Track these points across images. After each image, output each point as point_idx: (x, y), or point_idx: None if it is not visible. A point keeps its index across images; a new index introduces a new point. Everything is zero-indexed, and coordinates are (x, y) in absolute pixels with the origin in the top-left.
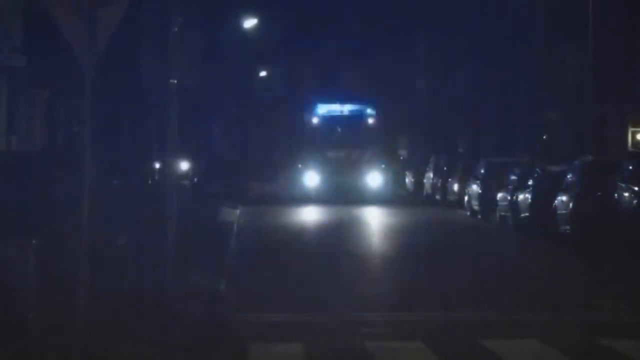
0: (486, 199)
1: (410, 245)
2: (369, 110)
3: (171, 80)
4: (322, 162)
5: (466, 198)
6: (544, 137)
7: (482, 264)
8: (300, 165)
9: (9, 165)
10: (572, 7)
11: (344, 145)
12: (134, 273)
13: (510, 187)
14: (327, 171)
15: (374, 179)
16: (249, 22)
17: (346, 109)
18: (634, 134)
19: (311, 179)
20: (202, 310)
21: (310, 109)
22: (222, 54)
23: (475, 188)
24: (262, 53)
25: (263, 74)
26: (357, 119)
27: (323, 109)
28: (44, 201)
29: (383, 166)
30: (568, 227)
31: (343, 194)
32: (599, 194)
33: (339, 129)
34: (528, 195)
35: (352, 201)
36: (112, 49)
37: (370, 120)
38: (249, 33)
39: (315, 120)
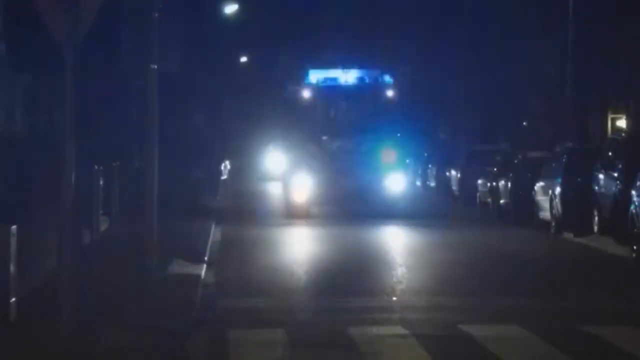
0: (467, 185)
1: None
2: (387, 78)
3: (152, 66)
4: (318, 158)
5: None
6: (524, 123)
7: (463, 249)
8: (287, 165)
9: None
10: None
11: (350, 131)
12: (119, 261)
13: (491, 173)
14: (326, 172)
15: (397, 181)
16: (230, 8)
17: (352, 76)
18: (613, 120)
19: (301, 185)
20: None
21: (298, 77)
22: (203, 40)
23: (454, 174)
24: (244, 38)
25: (244, 59)
26: (369, 90)
27: (317, 76)
28: (27, 187)
29: (408, 161)
30: (547, 212)
31: (352, 206)
32: (579, 180)
33: (343, 107)
34: (508, 182)
35: (368, 217)
36: (93, 33)
37: (390, 93)
38: (231, 19)
39: (306, 94)
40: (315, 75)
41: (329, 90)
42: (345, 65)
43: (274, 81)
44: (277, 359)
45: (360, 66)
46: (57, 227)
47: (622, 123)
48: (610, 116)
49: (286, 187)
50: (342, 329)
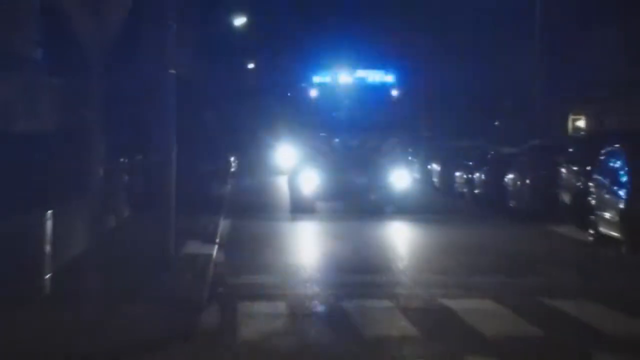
0: (446, 176)
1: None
2: (391, 78)
3: (170, 70)
4: (324, 154)
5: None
6: (496, 123)
7: (444, 234)
8: (293, 161)
9: (26, 144)
10: (523, 13)
11: (355, 129)
12: (141, 242)
13: (467, 166)
14: (332, 168)
15: (401, 177)
16: (239, 20)
17: (356, 75)
18: (574, 120)
19: (308, 179)
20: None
21: (305, 77)
22: (214, 48)
23: (436, 167)
24: (252, 42)
25: (251, 65)
26: (373, 89)
27: (323, 76)
28: (60, 177)
29: (411, 158)
30: (516, 201)
31: (356, 201)
32: (544, 172)
33: (348, 106)
34: (482, 174)
35: (372, 212)
36: (117, 40)
37: (394, 92)
38: (240, 29)
39: (312, 92)
40: (321, 75)
41: (334, 89)
42: (350, 65)
43: (281, 81)
44: (279, 328)
45: (364, 66)
46: (87, 212)
47: (581, 123)
48: (571, 117)
49: (292, 181)
50: (337, 303)
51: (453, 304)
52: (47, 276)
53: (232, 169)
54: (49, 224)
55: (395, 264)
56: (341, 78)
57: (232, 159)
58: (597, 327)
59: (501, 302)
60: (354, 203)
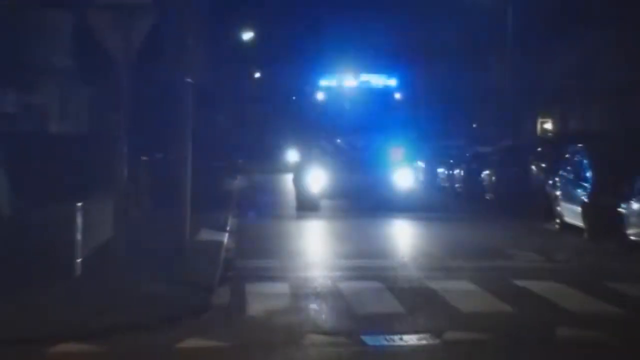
0: (430, 173)
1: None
2: (394, 82)
3: (187, 79)
4: (331, 155)
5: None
6: (474, 125)
7: (427, 225)
8: (299, 160)
9: (63, 144)
10: (496, 28)
11: (358, 130)
12: (161, 231)
13: (449, 163)
14: (338, 168)
15: (404, 177)
16: (247, 35)
17: (361, 80)
18: (542, 123)
19: (316, 178)
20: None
21: (313, 82)
22: (225, 59)
23: (421, 164)
24: (261, 51)
25: (258, 74)
26: (376, 93)
27: (329, 81)
28: (89, 173)
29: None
30: (491, 195)
31: (361, 199)
32: (515, 169)
33: (352, 108)
34: (461, 171)
35: (377, 209)
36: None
37: (397, 96)
38: (249, 41)
39: (319, 96)
40: (328, 80)
41: (339, 94)
42: (355, 71)
43: (289, 86)
44: (282, 306)
45: (368, 71)
46: (113, 204)
47: (548, 125)
48: (539, 120)
49: (298, 179)
50: (333, 284)
51: (434, 284)
52: (78, 260)
53: (240, 167)
54: (79, 215)
55: (383, 249)
56: (346, 82)
57: (239, 159)
58: (559, 304)
59: (476, 282)
60: (355, 199)
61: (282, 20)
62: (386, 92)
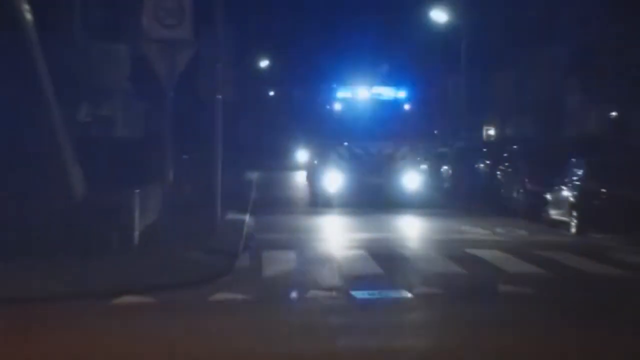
0: None
1: None
2: (404, 93)
3: (217, 96)
4: (346, 159)
5: None
6: (435, 131)
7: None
8: (316, 163)
9: (124, 146)
10: (451, 48)
11: (373, 137)
12: (198, 211)
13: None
14: (353, 170)
15: (413, 179)
16: (263, 63)
17: (374, 91)
18: (486, 130)
19: (332, 180)
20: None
21: (330, 92)
22: (249, 79)
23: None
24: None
25: (272, 93)
26: (387, 103)
27: (345, 91)
28: (144, 168)
29: (425, 165)
30: (447, 185)
31: (373, 199)
32: (465, 165)
33: (367, 117)
34: (426, 165)
35: (386, 206)
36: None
37: (406, 106)
38: (266, 67)
39: (336, 106)
40: (344, 92)
41: (354, 104)
42: (368, 82)
43: (308, 97)
44: (290, 268)
45: (380, 83)
46: (162, 192)
47: (491, 132)
48: (484, 127)
49: (316, 182)
50: (330, 252)
51: (406, 252)
52: (136, 233)
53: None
54: (137, 199)
55: (367, 228)
56: (360, 94)
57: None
58: (500, 267)
59: (439, 252)
60: (364, 197)
61: (299, 39)
62: (396, 103)
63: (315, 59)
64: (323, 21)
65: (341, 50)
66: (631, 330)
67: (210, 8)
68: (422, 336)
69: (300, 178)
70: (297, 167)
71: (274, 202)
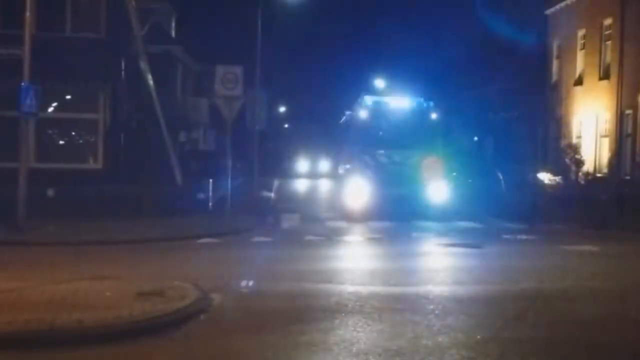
0: None
1: None
2: (430, 103)
3: (256, 127)
4: (372, 167)
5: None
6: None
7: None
8: (342, 172)
9: (204, 155)
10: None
11: (400, 146)
12: (245, 191)
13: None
14: (381, 180)
15: (439, 189)
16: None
17: (400, 101)
18: None
19: (359, 191)
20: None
21: (358, 103)
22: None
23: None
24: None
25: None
26: (414, 113)
27: (372, 102)
28: (214, 166)
29: (455, 174)
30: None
31: (403, 210)
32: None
33: (394, 127)
34: None
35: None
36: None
37: (433, 115)
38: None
39: (363, 115)
40: (371, 101)
41: (381, 113)
42: (395, 93)
43: (339, 108)
44: (298, 225)
45: (406, 94)
46: (225, 180)
47: None
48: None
49: (344, 190)
50: (322, 219)
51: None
52: (210, 203)
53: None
54: (211, 184)
55: (367, 219)
56: (388, 104)
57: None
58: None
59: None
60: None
61: (331, 53)
62: (423, 113)
63: (344, 68)
64: (352, 38)
65: (371, 60)
66: None
67: (252, 79)
68: None
69: (304, 182)
70: (299, 175)
71: (293, 198)
